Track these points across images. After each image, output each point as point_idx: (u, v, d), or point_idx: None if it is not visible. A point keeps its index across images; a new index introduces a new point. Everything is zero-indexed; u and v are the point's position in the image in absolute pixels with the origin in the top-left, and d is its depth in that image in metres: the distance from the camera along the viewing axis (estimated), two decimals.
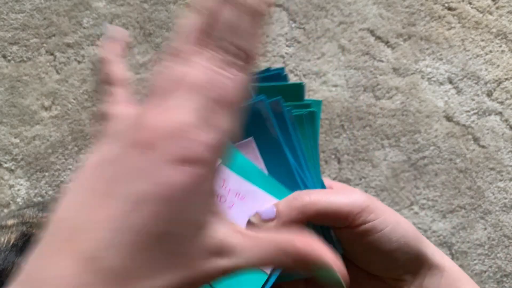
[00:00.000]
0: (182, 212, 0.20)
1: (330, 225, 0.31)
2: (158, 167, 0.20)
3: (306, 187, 0.32)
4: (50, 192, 0.88)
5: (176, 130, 0.20)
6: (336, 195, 0.30)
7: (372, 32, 0.95)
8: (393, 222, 0.30)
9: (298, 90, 0.33)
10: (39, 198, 0.88)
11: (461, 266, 0.85)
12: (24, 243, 0.51)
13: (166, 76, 0.21)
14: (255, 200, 0.30)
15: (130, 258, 0.19)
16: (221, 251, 0.21)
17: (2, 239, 0.50)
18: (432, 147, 0.88)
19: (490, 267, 0.84)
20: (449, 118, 0.90)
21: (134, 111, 0.22)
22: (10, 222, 0.55)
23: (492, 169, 0.87)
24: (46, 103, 0.93)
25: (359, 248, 0.31)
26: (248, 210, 0.30)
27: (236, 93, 0.21)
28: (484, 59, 0.93)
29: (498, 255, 0.84)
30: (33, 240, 0.52)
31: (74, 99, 0.93)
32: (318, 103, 0.34)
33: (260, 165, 0.31)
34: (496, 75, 0.92)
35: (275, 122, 0.31)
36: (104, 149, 0.22)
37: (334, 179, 0.90)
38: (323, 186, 0.33)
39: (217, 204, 0.22)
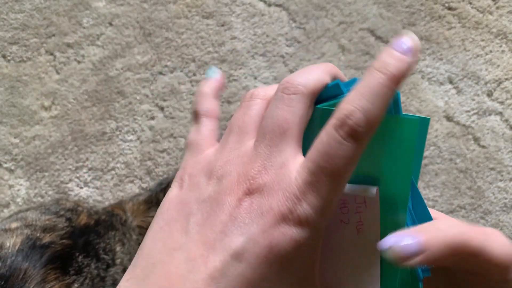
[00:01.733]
0: (279, 275, 0.20)
1: (473, 275, 0.23)
2: (259, 224, 0.20)
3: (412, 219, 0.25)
4: (50, 192, 0.88)
5: (284, 190, 0.21)
6: (488, 236, 0.22)
7: (372, 32, 0.95)
8: None
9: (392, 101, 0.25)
10: (39, 198, 0.88)
11: None
12: (29, 248, 0.51)
13: (280, 121, 0.23)
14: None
15: None
16: None
17: (8, 243, 0.51)
18: (432, 147, 0.88)
19: None
20: (449, 118, 0.90)
21: (230, 150, 0.24)
22: (14, 225, 0.55)
23: (492, 169, 0.87)
24: (46, 103, 0.93)
25: None
26: None
27: (346, 166, 0.21)
28: (484, 59, 0.93)
29: None
30: (38, 245, 0.52)
31: (74, 99, 0.93)
32: (425, 122, 0.25)
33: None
34: (496, 75, 0.92)
35: None
36: (196, 186, 0.23)
37: None
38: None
39: (317, 277, 0.22)
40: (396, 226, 0.24)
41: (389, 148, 0.25)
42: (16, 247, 0.50)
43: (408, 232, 0.22)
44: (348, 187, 0.25)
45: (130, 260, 0.66)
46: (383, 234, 0.24)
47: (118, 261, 0.63)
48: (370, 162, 0.25)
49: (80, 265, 0.55)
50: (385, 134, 0.24)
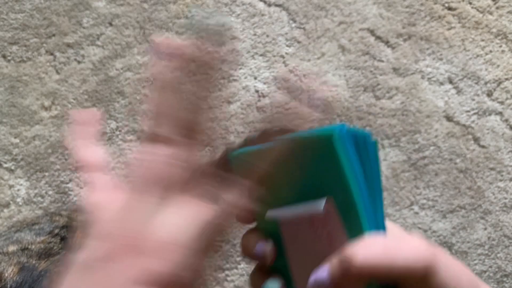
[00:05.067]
0: None
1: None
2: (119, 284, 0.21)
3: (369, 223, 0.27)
4: (50, 192, 0.89)
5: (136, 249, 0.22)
6: (396, 250, 0.26)
7: (372, 32, 0.95)
8: (454, 281, 0.27)
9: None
10: (39, 198, 0.88)
11: None
12: (26, 279, 0.52)
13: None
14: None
15: None
16: None
17: (6, 274, 0.52)
18: (432, 147, 0.88)
19: (490, 267, 0.84)
20: (449, 118, 0.90)
21: (116, 205, 0.24)
22: (11, 248, 0.56)
23: (492, 169, 0.87)
24: (46, 103, 0.94)
25: None
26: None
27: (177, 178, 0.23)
28: (484, 59, 0.93)
29: (498, 255, 0.84)
30: (34, 275, 0.53)
31: (74, 99, 0.94)
32: (358, 133, 0.27)
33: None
34: (496, 75, 0.92)
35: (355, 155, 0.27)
36: (90, 249, 0.23)
37: None
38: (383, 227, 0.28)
39: None
40: (357, 231, 0.27)
41: (320, 164, 0.27)
42: (14, 278, 0.51)
43: (321, 269, 0.26)
44: (302, 207, 0.28)
45: None
46: (351, 239, 0.27)
47: None
48: (313, 182, 0.28)
49: None
50: (313, 154, 0.27)
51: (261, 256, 0.30)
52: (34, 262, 0.53)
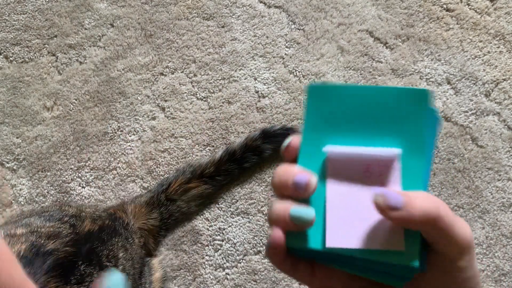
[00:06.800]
0: None
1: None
2: None
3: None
4: (52, 192, 0.89)
5: None
6: (458, 220, 0.28)
7: (371, 33, 0.95)
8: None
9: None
10: (41, 198, 0.89)
11: None
12: (33, 255, 0.52)
13: None
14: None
15: None
16: None
17: (13, 250, 0.51)
18: None
19: (488, 266, 0.85)
20: (447, 119, 0.90)
21: None
22: (19, 231, 0.56)
23: (490, 169, 0.88)
24: (48, 104, 0.94)
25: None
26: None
27: None
28: (482, 60, 0.93)
29: (496, 254, 0.85)
30: (41, 252, 0.53)
31: (75, 100, 0.94)
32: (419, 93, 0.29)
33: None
34: (494, 76, 0.92)
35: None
36: None
37: None
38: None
39: None
40: (412, 186, 0.28)
41: (402, 118, 0.28)
42: (21, 254, 0.51)
43: (398, 192, 0.27)
44: (371, 150, 0.29)
45: (132, 266, 0.67)
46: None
47: (120, 268, 0.63)
48: (387, 131, 0.29)
49: (82, 274, 0.55)
50: (398, 106, 0.28)
51: (303, 185, 0.29)
52: (42, 241, 0.53)
